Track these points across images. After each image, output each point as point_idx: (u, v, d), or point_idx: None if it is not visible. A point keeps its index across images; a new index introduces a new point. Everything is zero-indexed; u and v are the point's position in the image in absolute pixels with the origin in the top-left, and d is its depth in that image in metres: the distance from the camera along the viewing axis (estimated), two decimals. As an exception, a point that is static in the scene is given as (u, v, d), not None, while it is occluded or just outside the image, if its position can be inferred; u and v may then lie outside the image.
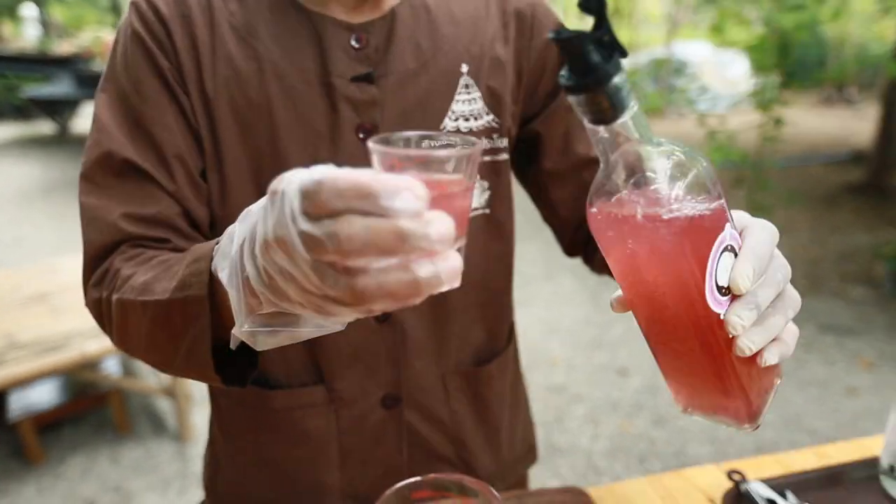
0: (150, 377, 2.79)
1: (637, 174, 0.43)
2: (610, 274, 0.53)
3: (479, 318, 0.77)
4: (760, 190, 3.80)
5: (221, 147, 0.65)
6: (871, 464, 0.78)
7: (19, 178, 6.82)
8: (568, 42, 0.38)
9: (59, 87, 7.90)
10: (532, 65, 0.74)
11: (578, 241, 0.82)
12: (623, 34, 12.88)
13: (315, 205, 0.33)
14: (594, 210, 0.45)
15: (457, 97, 0.69)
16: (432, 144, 0.40)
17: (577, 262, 0.86)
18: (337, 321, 0.40)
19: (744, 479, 0.75)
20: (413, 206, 0.32)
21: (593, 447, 2.44)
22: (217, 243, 0.47)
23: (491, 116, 0.71)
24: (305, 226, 0.33)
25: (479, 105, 0.70)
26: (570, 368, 3.02)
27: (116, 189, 0.63)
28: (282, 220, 0.34)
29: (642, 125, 0.42)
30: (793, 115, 3.96)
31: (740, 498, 0.74)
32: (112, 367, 2.79)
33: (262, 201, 0.37)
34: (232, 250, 0.41)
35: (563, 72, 0.40)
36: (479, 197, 0.73)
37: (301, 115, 0.64)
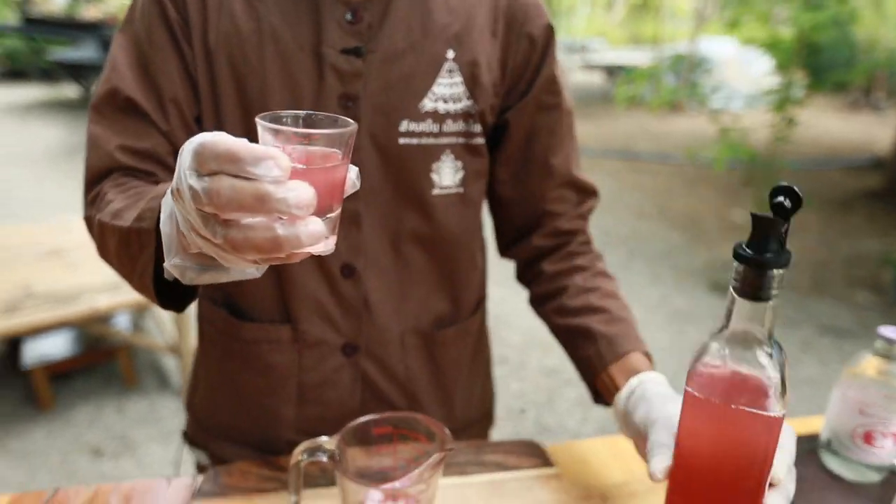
0: (157, 335, 2.89)
1: (749, 359, 0.48)
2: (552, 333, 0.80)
3: (443, 287, 0.83)
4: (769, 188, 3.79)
5: (219, 97, 0.71)
6: (813, 439, 0.83)
7: (45, 138, 6.96)
8: (770, 222, 0.45)
9: (85, 51, 8.01)
10: (518, 61, 0.77)
11: (508, 235, 0.88)
12: (648, 27, 12.74)
13: (199, 163, 0.39)
14: (692, 390, 0.50)
15: (439, 80, 0.74)
16: (315, 118, 0.44)
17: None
18: (241, 267, 0.46)
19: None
20: (273, 174, 0.37)
21: (581, 430, 2.50)
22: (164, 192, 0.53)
23: (470, 102, 0.76)
24: (191, 180, 0.39)
25: (460, 90, 0.75)
26: (564, 353, 3.07)
27: (118, 123, 0.71)
28: (178, 173, 0.41)
29: (771, 319, 0.47)
30: (813, 118, 3.96)
31: (683, 459, 0.79)
32: (122, 322, 2.89)
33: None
34: (168, 196, 0.47)
35: (745, 244, 0.46)
36: (452, 176, 0.78)
37: (290, 77, 0.70)
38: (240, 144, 0.38)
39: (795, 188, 0.45)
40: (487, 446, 0.81)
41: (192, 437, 0.91)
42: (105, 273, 2.45)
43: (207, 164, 0.39)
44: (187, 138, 0.69)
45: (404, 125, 0.73)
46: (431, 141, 0.75)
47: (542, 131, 0.81)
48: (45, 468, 2.22)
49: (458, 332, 0.86)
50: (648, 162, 7.14)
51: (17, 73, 10.24)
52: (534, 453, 0.79)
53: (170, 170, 0.71)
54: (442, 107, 0.74)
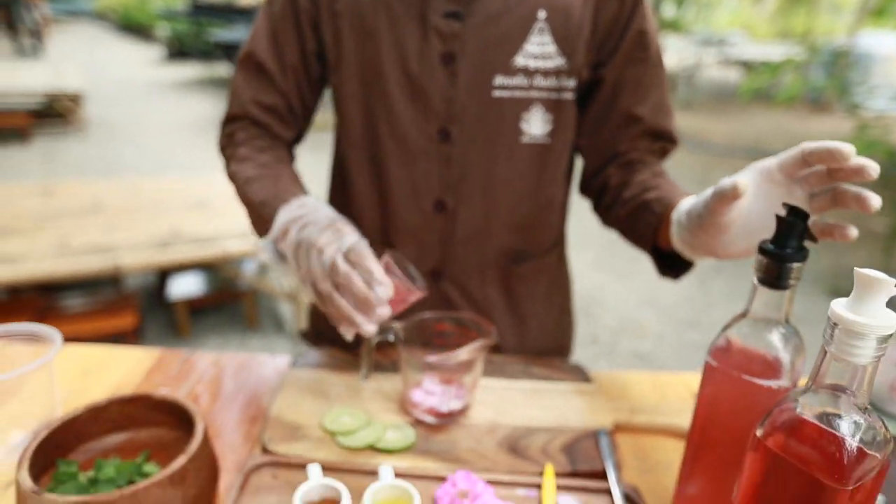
0: (278, 283, 3.22)
1: (765, 338, 0.54)
2: (618, 230, 0.88)
3: (522, 227, 0.94)
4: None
5: (342, 53, 0.87)
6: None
7: (199, 111, 7.76)
8: (794, 221, 0.52)
9: (237, 32, 8.80)
10: (607, 17, 0.85)
11: (585, 176, 0.96)
12: (801, 21, 11.80)
13: (348, 255, 0.70)
14: (712, 360, 0.57)
15: (530, 38, 0.84)
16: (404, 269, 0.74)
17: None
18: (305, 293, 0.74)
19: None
20: (383, 296, 0.68)
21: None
22: (287, 201, 0.79)
23: (562, 60, 0.85)
24: (339, 261, 0.69)
25: (551, 48, 0.84)
26: (658, 339, 3.06)
27: (253, 80, 0.91)
28: (328, 247, 0.71)
29: (787, 306, 0.54)
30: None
31: (717, 394, 0.86)
32: (250, 269, 3.25)
33: (326, 217, 0.75)
34: (286, 240, 0.75)
35: (770, 241, 0.53)
36: (541, 127, 0.88)
37: (399, 39, 0.84)
38: (375, 267, 0.69)
39: (802, 210, 0.50)
40: (536, 361, 0.91)
41: (307, 336, 1.09)
42: (238, 222, 2.78)
43: (351, 260, 0.69)
44: (300, 99, 0.93)
45: (498, 80, 0.84)
46: (522, 94, 0.85)
47: (629, 83, 0.88)
48: (179, 385, 2.58)
49: (534, 268, 0.97)
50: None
51: (182, 53, 11.46)
52: (577, 373, 0.89)
53: (283, 120, 0.92)
54: (532, 63, 0.84)
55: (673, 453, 0.76)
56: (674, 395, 0.88)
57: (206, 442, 0.64)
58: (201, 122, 7.23)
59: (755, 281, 0.54)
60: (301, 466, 0.68)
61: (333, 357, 0.90)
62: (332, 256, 0.69)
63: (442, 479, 0.67)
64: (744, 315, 0.56)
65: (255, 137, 0.91)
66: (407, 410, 0.78)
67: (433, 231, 0.90)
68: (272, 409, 0.77)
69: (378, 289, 0.68)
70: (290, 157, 0.95)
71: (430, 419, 0.76)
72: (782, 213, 0.52)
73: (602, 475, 0.70)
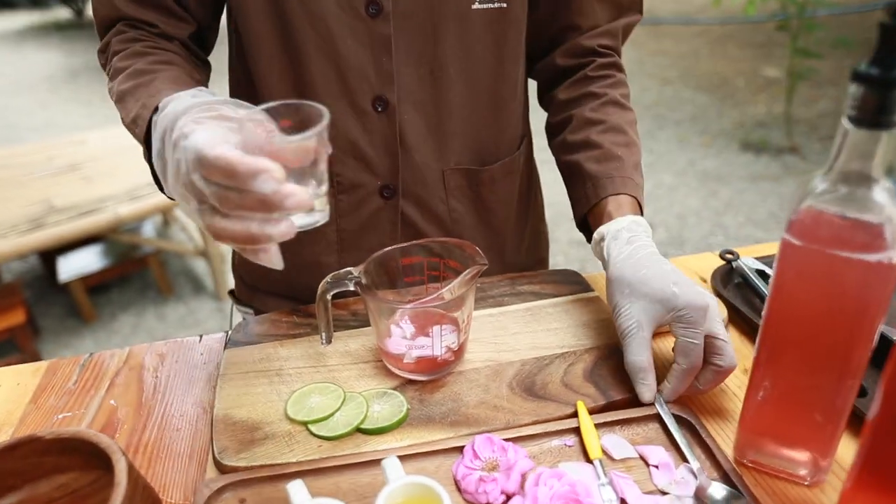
0: (185, 241, 2.91)
1: (861, 199, 0.41)
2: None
3: (485, 119, 0.76)
4: (806, 33, 3.53)
5: None
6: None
7: (42, 64, 6.80)
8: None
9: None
10: None
11: (534, 52, 0.82)
12: None
13: (203, 174, 0.45)
14: (791, 238, 0.43)
15: None
16: (294, 106, 0.49)
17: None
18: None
19: (736, 258, 0.76)
20: (270, 187, 0.43)
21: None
22: (157, 107, 0.56)
23: None
24: (199, 184, 0.46)
25: None
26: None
27: None
28: (181, 168, 0.48)
29: (890, 153, 0.39)
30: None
31: (731, 273, 0.75)
32: (149, 232, 2.91)
33: (183, 108, 0.52)
34: (157, 143, 0.54)
35: (868, 62, 0.39)
36: None
37: None
38: (236, 161, 0.43)
39: None
40: (522, 278, 0.77)
41: (239, 295, 0.90)
42: (125, 182, 2.43)
43: (211, 176, 0.45)
44: None
45: None
46: None
47: None
48: (98, 372, 2.31)
49: (504, 169, 0.80)
50: (671, 25, 6.71)
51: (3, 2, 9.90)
52: (571, 280, 0.76)
53: (172, 14, 0.70)
54: None
55: (705, 352, 0.65)
56: (680, 283, 0.77)
57: (135, 479, 0.46)
58: (49, 77, 6.35)
59: (846, 123, 0.40)
60: (274, 479, 0.51)
61: (278, 320, 0.72)
62: (194, 182, 0.46)
63: (457, 450, 0.53)
64: (828, 172, 0.42)
65: (133, 41, 0.69)
66: (388, 370, 0.62)
67: (376, 137, 0.71)
68: (216, 410, 0.59)
69: (259, 183, 0.43)
70: (191, 60, 0.72)
71: (420, 375, 0.61)
72: None
73: (637, 399, 0.58)
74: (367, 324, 0.70)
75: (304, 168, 0.47)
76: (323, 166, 0.49)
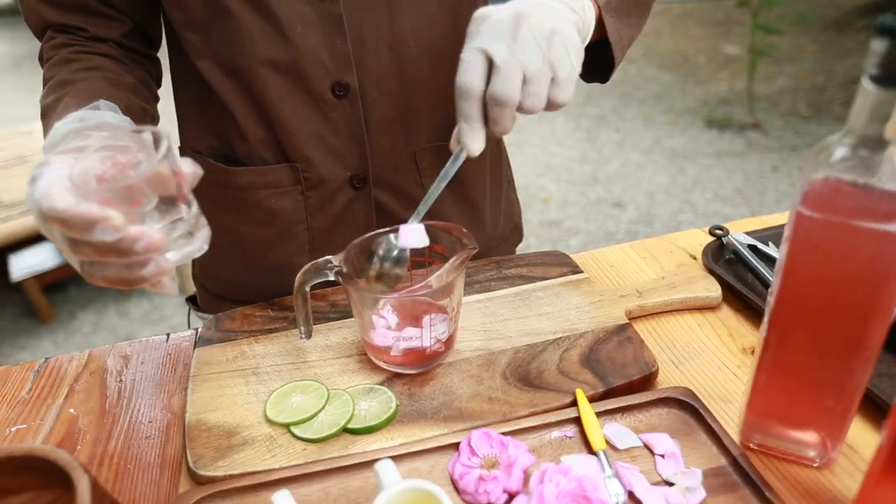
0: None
1: (881, 164, 0.38)
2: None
3: (450, 90, 0.72)
4: (767, 8, 3.56)
5: None
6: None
7: (-16, 53, 6.47)
8: None
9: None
10: None
11: None
12: None
13: (45, 225, 0.42)
14: (805, 209, 0.40)
15: None
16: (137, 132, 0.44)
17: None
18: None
19: (726, 233, 0.74)
20: (110, 237, 0.40)
21: (588, 274, 2.48)
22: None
23: None
24: (49, 234, 0.43)
25: None
26: (564, 204, 3.02)
27: None
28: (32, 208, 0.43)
29: None
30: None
31: (722, 249, 0.73)
32: (107, 227, 2.80)
33: (54, 141, 0.49)
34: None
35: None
36: None
37: None
38: (68, 214, 0.39)
39: None
40: (508, 261, 0.74)
41: (202, 305, 0.84)
42: (75, 173, 2.31)
43: (54, 229, 0.42)
44: None
45: None
46: None
47: None
48: (59, 374, 2.21)
49: None
50: (631, 4, 6.71)
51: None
52: (559, 262, 0.73)
53: (98, 15, 0.66)
54: None
55: (703, 332, 0.63)
56: (670, 261, 0.75)
57: (100, 497, 0.42)
58: (-6, 66, 6.05)
59: (867, 84, 0.37)
60: (257, 488, 0.47)
61: (251, 315, 0.67)
62: (35, 193, 0.42)
63: (452, 447, 0.50)
64: (843, 137, 0.39)
65: (62, 47, 0.65)
66: (374, 364, 0.58)
67: (341, 126, 0.67)
68: (188, 414, 0.54)
69: (98, 233, 0.39)
70: (127, 60, 0.67)
71: (408, 369, 0.57)
72: None
73: (640, 384, 0.55)
74: (348, 315, 0.66)
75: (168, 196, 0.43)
76: (186, 189, 0.44)
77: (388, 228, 0.59)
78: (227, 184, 0.69)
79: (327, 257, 0.55)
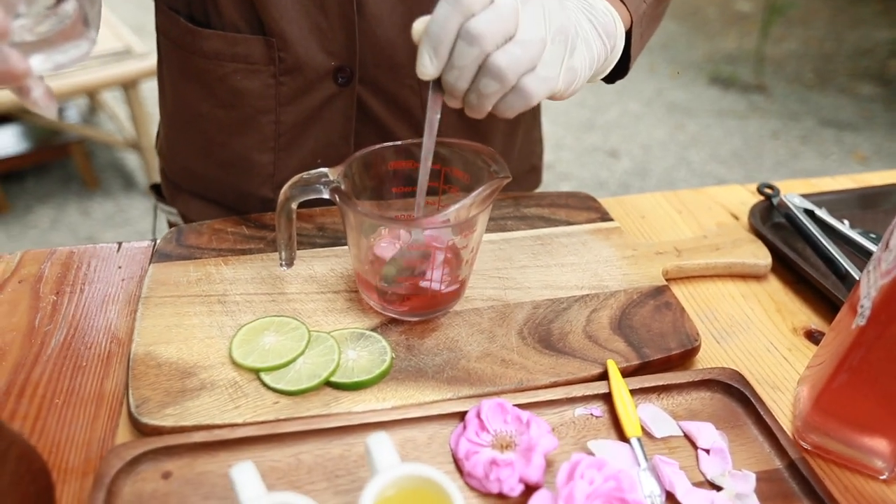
0: (114, 132, 2.62)
1: None
2: None
3: None
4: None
5: None
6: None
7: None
8: None
9: None
10: None
11: None
12: None
13: None
14: None
15: None
16: None
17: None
18: None
19: (776, 193, 0.65)
20: None
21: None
22: None
23: None
24: None
25: None
26: (558, 148, 2.90)
27: None
28: None
29: None
30: None
31: (771, 210, 0.64)
32: (72, 117, 2.60)
33: None
34: None
35: None
36: None
37: None
38: None
39: None
40: (527, 198, 0.64)
41: (164, 193, 0.73)
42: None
43: None
44: None
45: None
46: None
47: None
48: (10, 270, 2.08)
49: None
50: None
51: None
52: (585, 206, 0.63)
53: None
54: None
55: (748, 304, 0.54)
56: (709, 218, 0.66)
57: (8, 440, 0.33)
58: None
59: None
60: (213, 448, 0.38)
61: (222, 230, 0.56)
62: None
63: (457, 416, 0.41)
64: None
65: None
66: (366, 305, 0.49)
67: (331, 4, 0.54)
68: (135, 345, 0.44)
69: None
70: None
71: (409, 315, 0.47)
72: None
73: (679, 359, 0.47)
74: (337, 242, 0.56)
75: None
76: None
77: (399, 142, 0.48)
78: (193, 48, 0.58)
79: (321, 170, 0.44)
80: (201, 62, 0.58)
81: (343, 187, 0.43)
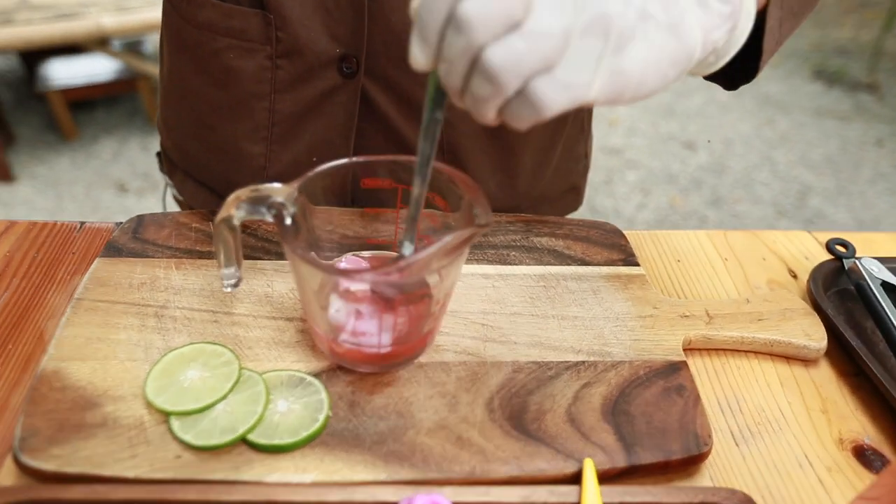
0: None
1: None
2: None
3: None
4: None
5: None
6: None
7: None
8: None
9: None
10: None
11: None
12: None
13: None
14: None
15: None
16: None
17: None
18: None
19: (851, 254, 0.53)
20: None
21: (637, 216, 2.26)
22: None
23: None
24: None
25: None
26: (630, 132, 2.72)
27: None
28: None
29: None
30: None
31: (839, 275, 0.53)
32: (146, 51, 2.62)
33: None
34: None
35: None
36: None
37: None
38: None
39: None
40: (542, 223, 0.55)
41: (163, 164, 0.68)
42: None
43: None
44: None
45: None
46: None
47: None
48: (69, 197, 2.14)
49: None
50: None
51: None
52: (609, 242, 0.53)
53: None
54: None
55: (786, 395, 0.44)
56: (760, 272, 0.55)
57: None
58: None
59: None
60: (85, 511, 0.32)
61: (187, 224, 0.50)
62: None
63: (385, 509, 0.34)
64: None
65: None
66: (316, 345, 0.42)
67: None
68: (47, 357, 0.39)
69: None
70: None
71: (361, 366, 0.40)
72: None
73: (679, 465, 0.38)
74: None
75: None
76: None
77: (367, 158, 0.40)
78: (188, 16, 0.51)
79: (273, 185, 0.37)
80: (195, 33, 0.51)
81: (294, 214, 0.36)
